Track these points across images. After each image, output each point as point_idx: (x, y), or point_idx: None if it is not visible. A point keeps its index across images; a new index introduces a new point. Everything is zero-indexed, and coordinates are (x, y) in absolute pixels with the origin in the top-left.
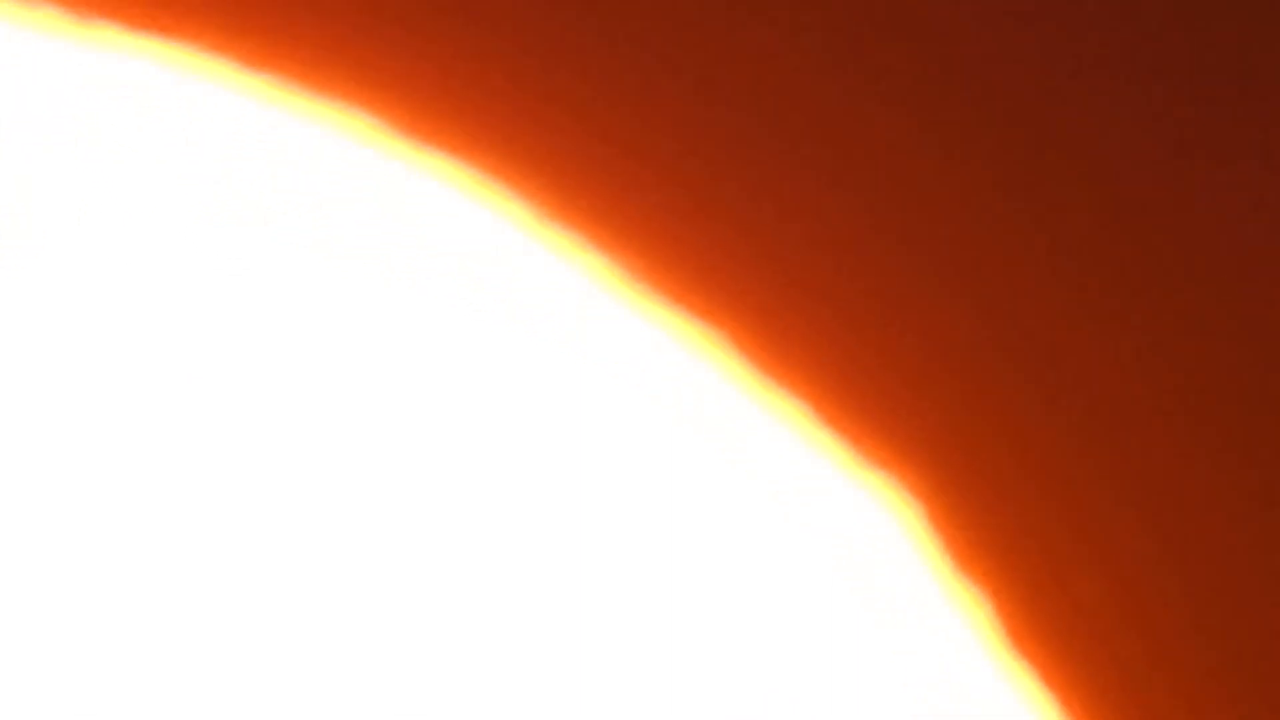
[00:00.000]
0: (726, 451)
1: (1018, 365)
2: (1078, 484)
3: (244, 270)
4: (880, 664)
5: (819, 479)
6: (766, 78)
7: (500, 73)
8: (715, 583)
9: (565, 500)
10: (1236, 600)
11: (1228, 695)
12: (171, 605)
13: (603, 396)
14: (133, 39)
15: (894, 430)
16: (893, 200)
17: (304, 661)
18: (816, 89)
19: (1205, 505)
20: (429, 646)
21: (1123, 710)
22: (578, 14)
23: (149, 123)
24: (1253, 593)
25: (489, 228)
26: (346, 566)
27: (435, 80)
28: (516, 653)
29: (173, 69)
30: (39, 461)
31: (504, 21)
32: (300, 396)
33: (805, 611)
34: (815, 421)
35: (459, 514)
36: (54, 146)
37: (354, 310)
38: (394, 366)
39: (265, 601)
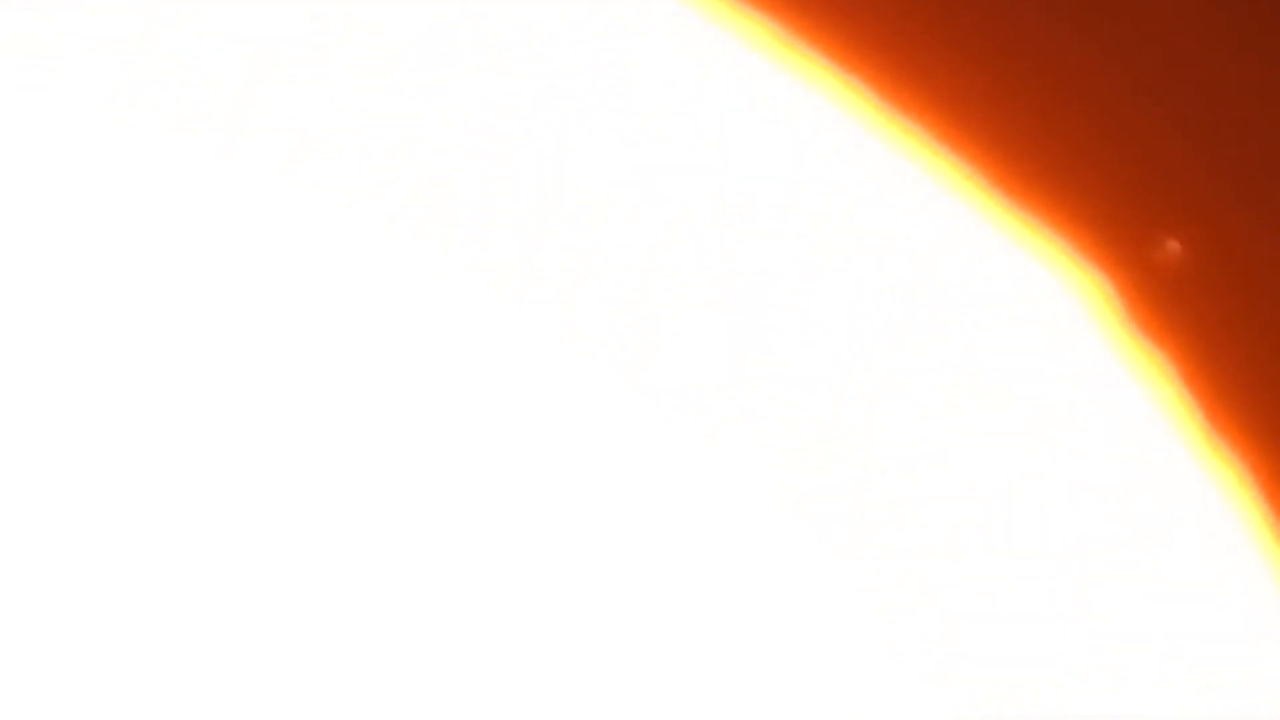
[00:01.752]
0: (895, 218)
1: (1206, 121)
2: (1265, 250)
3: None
4: (1065, 448)
5: (992, 249)
6: None
7: None
8: (885, 362)
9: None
10: None
11: None
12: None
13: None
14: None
15: (1070, 194)
16: None
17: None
18: None
19: None
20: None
21: None
22: None
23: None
24: None
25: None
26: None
27: None
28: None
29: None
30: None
31: None
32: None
33: (979, 400)
34: (985, 186)
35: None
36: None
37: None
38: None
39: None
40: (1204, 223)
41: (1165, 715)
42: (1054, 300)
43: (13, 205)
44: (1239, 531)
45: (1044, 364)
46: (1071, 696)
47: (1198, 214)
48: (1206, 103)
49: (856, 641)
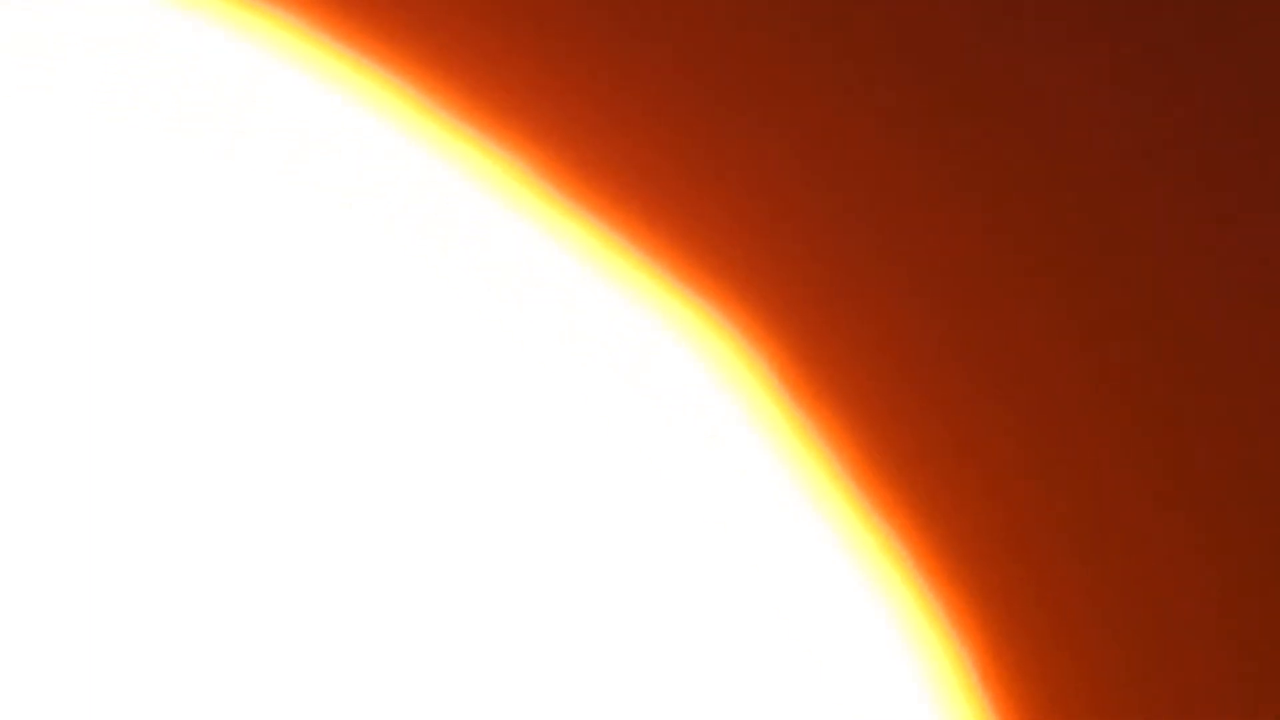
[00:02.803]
0: (526, 287)
1: (860, 194)
2: (915, 323)
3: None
4: (707, 509)
5: (623, 313)
6: None
7: None
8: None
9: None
10: (1070, 440)
11: (1061, 531)
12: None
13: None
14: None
15: (717, 257)
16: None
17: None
18: None
19: (1036, 354)
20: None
21: (965, 557)
22: None
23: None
24: (1086, 433)
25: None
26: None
27: None
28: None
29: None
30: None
31: None
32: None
33: (623, 471)
34: (624, 247)
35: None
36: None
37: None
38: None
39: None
40: (856, 289)
41: None
42: (693, 364)
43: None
44: (881, 599)
45: (679, 430)
46: None
47: (852, 285)
48: (866, 180)
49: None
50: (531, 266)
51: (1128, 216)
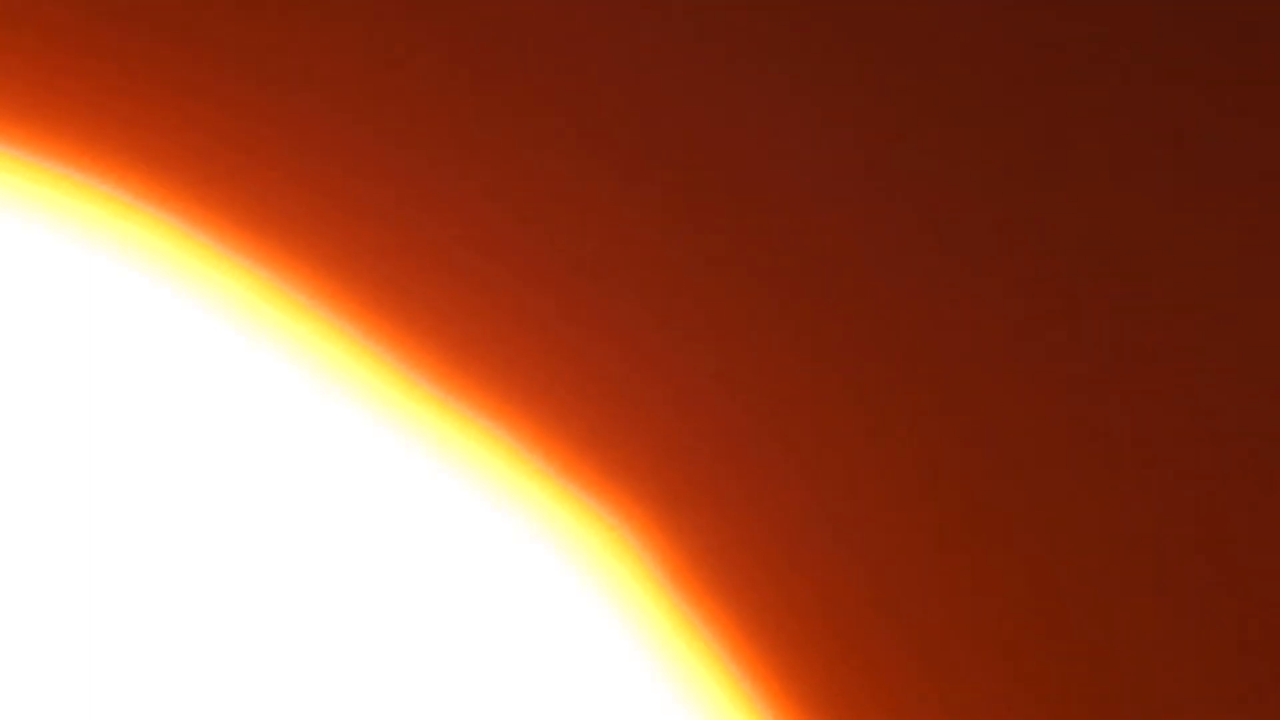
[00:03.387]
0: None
1: (740, 384)
2: (805, 521)
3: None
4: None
5: (504, 512)
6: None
7: None
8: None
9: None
10: (945, 616)
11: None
12: None
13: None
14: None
15: (603, 449)
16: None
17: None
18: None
19: (918, 548)
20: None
21: None
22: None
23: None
24: (952, 601)
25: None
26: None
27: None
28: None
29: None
30: None
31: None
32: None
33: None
34: (507, 442)
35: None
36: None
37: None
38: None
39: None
40: (746, 485)
41: None
42: (575, 562)
43: None
44: None
45: (563, 630)
46: None
47: (742, 480)
48: (756, 376)
49: None
50: (406, 465)
51: (1011, 418)
